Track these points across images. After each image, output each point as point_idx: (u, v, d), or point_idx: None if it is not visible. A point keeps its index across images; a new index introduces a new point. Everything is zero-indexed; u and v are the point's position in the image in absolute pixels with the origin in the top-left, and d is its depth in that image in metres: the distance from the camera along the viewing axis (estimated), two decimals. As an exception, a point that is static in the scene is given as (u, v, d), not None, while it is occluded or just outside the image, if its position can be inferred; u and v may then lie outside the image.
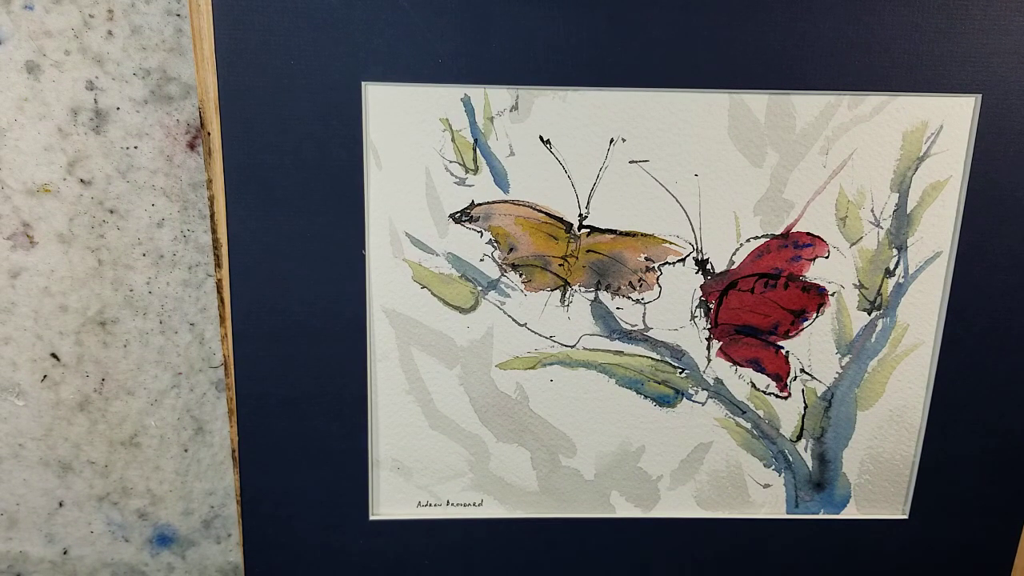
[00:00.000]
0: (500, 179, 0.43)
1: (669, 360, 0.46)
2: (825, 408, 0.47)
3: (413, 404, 0.46)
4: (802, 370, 0.46)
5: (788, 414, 0.47)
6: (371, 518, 0.47)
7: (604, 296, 0.44)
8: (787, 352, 0.46)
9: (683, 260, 0.44)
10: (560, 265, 0.44)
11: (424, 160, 0.42)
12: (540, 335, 0.45)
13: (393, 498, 0.47)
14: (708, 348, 0.45)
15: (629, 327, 0.45)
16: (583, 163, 0.42)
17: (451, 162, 0.42)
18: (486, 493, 0.48)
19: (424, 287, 0.44)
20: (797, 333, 0.45)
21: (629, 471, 0.47)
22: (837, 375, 0.46)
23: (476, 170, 0.42)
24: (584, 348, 0.45)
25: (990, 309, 0.44)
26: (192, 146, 0.45)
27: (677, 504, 0.48)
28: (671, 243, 0.44)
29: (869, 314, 0.45)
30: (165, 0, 0.42)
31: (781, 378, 0.46)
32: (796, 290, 0.45)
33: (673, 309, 0.45)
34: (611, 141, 0.42)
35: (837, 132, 0.42)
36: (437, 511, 0.48)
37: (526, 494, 0.48)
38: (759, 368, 0.46)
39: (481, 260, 0.44)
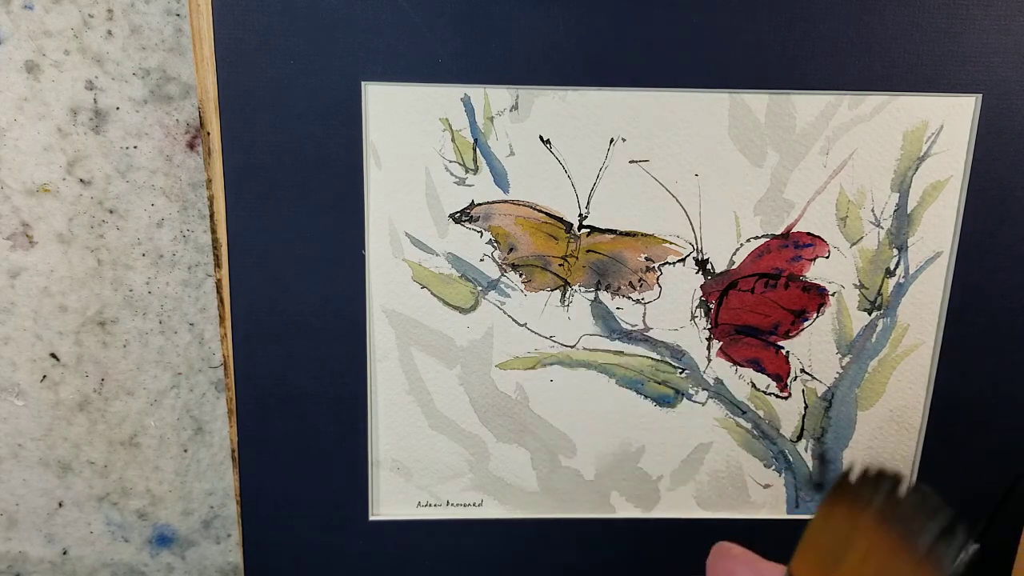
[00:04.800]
0: (500, 179, 0.42)
1: (669, 360, 0.45)
2: (825, 408, 0.47)
3: (413, 404, 0.46)
4: (802, 370, 0.46)
5: (788, 414, 0.47)
6: (371, 518, 0.47)
7: (604, 296, 0.44)
8: (787, 352, 0.46)
9: (683, 260, 0.44)
10: (560, 265, 0.44)
11: (424, 160, 0.42)
12: (540, 335, 0.45)
13: (393, 498, 0.47)
14: (708, 348, 0.45)
15: (629, 327, 0.45)
16: (583, 163, 0.42)
17: (451, 162, 0.42)
18: (486, 493, 0.48)
19: (424, 287, 0.44)
20: (797, 333, 0.45)
21: (629, 471, 0.47)
22: (837, 375, 0.46)
23: (476, 170, 0.42)
24: (584, 348, 0.45)
25: (991, 309, 0.44)
26: (192, 146, 0.45)
27: (677, 504, 0.48)
28: (671, 243, 0.44)
29: (869, 314, 0.45)
30: (165, 0, 0.42)
31: (781, 378, 0.46)
32: (796, 290, 0.45)
33: (673, 309, 0.45)
34: (611, 141, 0.42)
35: (837, 132, 0.42)
36: (437, 511, 0.48)
37: (526, 494, 0.48)
38: (759, 368, 0.46)
39: (481, 260, 0.44)
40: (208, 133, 0.41)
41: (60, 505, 0.50)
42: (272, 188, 0.41)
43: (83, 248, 0.46)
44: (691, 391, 0.46)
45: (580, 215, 0.43)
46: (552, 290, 0.44)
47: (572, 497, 0.48)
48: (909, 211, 0.43)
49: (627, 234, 0.43)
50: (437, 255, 0.44)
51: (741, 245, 0.44)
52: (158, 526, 0.51)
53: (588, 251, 0.44)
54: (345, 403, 0.45)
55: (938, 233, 0.44)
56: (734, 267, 0.44)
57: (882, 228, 0.44)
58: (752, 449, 0.47)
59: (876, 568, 0.27)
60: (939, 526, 0.26)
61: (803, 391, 0.46)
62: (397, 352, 0.45)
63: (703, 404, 0.46)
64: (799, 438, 0.47)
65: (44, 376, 0.48)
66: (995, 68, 0.41)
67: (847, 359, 0.46)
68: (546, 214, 0.43)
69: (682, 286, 0.44)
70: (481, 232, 0.43)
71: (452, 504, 0.48)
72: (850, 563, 0.28)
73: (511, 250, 0.44)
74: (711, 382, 0.46)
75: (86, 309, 0.47)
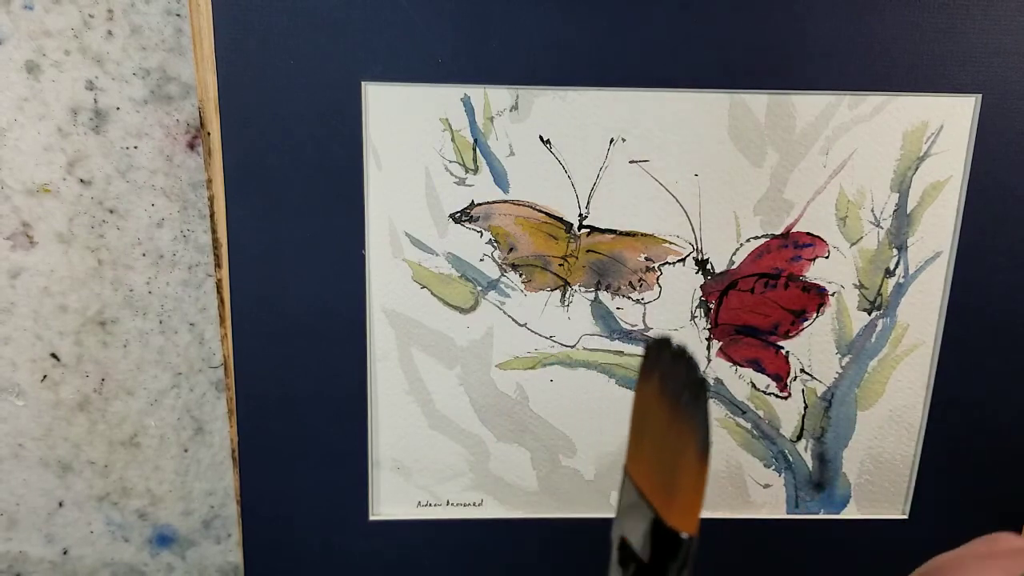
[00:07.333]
0: (500, 179, 0.42)
1: (669, 360, 0.45)
2: (825, 408, 0.46)
3: (413, 404, 0.46)
4: (802, 370, 0.46)
5: (788, 414, 0.47)
6: (371, 518, 0.47)
7: (604, 296, 0.44)
8: (787, 352, 0.46)
9: (683, 260, 0.44)
10: (560, 265, 0.44)
11: (424, 160, 0.42)
12: (540, 335, 0.45)
13: (393, 498, 0.47)
14: (708, 348, 0.45)
15: (629, 327, 0.45)
16: (583, 163, 0.42)
17: (451, 162, 0.42)
18: (486, 493, 0.48)
19: (424, 287, 0.44)
20: (797, 333, 0.45)
21: (629, 471, 0.47)
22: (837, 375, 0.46)
23: (476, 170, 0.42)
24: (584, 348, 0.45)
25: (990, 309, 0.44)
26: (192, 146, 0.45)
27: (677, 504, 0.48)
28: (671, 243, 0.44)
29: (869, 314, 0.45)
30: (165, 0, 0.42)
31: (781, 378, 0.46)
32: (796, 290, 0.45)
33: (673, 309, 0.45)
34: (611, 141, 0.42)
35: (837, 132, 0.42)
36: (437, 511, 0.48)
37: (526, 494, 0.48)
38: (759, 368, 0.46)
39: (481, 260, 0.44)
40: (208, 133, 0.41)
41: (60, 505, 0.50)
42: (272, 188, 0.41)
43: (83, 248, 0.46)
44: (691, 391, 0.46)
45: (580, 215, 0.43)
46: (552, 290, 0.44)
47: (572, 497, 0.48)
48: (909, 211, 0.43)
49: (627, 234, 0.43)
50: (437, 255, 0.44)
51: (741, 245, 0.44)
52: (158, 526, 0.51)
53: (588, 251, 0.44)
54: (345, 403, 0.45)
55: (938, 233, 0.44)
56: (734, 267, 0.44)
57: (882, 228, 0.44)
58: (752, 449, 0.47)
59: (656, 432, 0.27)
60: (690, 381, 0.26)
61: (803, 391, 0.46)
62: (397, 352, 0.45)
63: (703, 404, 0.46)
64: (799, 438, 0.47)
65: (44, 376, 0.48)
66: (995, 68, 0.41)
67: (847, 359, 0.46)
68: (546, 214, 0.43)
69: (682, 286, 0.44)
70: (481, 232, 0.43)
71: (452, 504, 0.48)
72: (648, 435, 0.28)
73: (511, 250, 0.44)
74: (711, 382, 0.46)
75: (86, 309, 0.47)
